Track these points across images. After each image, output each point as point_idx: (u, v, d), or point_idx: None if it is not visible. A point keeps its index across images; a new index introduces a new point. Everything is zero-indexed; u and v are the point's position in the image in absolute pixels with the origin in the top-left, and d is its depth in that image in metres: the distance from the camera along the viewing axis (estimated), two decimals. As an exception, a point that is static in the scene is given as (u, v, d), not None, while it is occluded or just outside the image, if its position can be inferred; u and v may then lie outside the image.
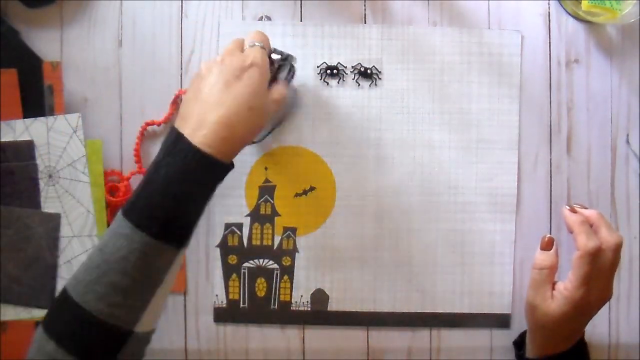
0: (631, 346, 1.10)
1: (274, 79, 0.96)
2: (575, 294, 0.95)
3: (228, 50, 0.91)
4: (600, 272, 0.96)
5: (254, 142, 1.04)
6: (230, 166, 0.87)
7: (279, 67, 0.99)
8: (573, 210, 1.03)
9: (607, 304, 1.01)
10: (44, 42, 1.06)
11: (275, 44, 1.03)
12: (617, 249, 0.98)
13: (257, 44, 0.92)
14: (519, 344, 1.05)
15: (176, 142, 0.83)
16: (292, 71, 1.01)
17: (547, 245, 1.04)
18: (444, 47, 1.07)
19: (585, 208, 1.04)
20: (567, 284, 0.97)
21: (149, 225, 0.80)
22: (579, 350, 1.01)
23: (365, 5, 1.07)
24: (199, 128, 0.83)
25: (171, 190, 0.82)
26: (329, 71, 1.06)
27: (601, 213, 1.01)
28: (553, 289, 1.00)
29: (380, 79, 1.07)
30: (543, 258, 1.03)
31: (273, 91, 0.94)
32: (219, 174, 0.87)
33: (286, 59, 0.99)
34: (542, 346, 1.00)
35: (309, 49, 1.06)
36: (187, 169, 0.82)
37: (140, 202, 0.82)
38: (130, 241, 0.80)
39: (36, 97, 1.04)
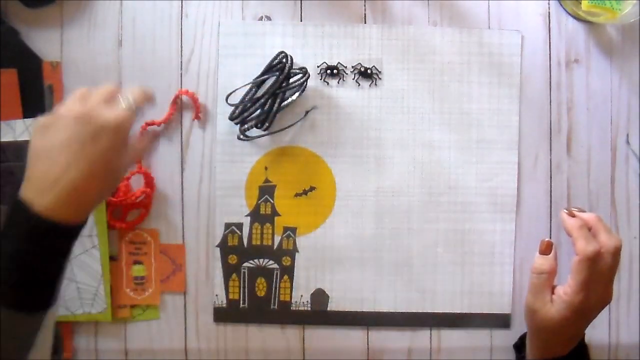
0: (631, 346, 1.10)
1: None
2: (574, 298, 0.95)
3: (91, 104, 0.84)
4: (599, 276, 0.96)
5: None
6: (81, 226, 0.83)
7: (295, 85, 1.01)
8: (571, 214, 1.02)
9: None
10: (44, 42, 1.06)
11: (275, 44, 1.04)
12: (617, 252, 0.97)
13: (129, 101, 0.86)
14: (519, 346, 1.05)
15: (18, 210, 0.79)
16: (304, 85, 1.03)
17: (546, 249, 1.03)
18: (444, 47, 1.07)
19: (584, 212, 1.03)
20: (566, 289, 0.97)
21: (2, 297, 0.77)
22: (579, 353, 1.00)
23: (365, 5, 1.07)
24: (45, 192, 0.78)
25: (20, 263, 0.78)
26: (329, 71, 1.06)
27: (600, 216, 1.01)
28: (552, 293, 1.00)
29: (380, 79, 1.07)
30: (542, 262, 1.02)
31: (131, 152, 0.90)
32: (69, 237, 0.83)
33: (305, 74, 1.01)
34: (542, 349, 1.00)
35: (309, 49, 1.06)
36: (33, 240, 0.78)
37: None
38: None
39: (36, 97, 1.04)
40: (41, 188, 0.79)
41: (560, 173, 1.09)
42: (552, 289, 1.00)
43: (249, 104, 1.02)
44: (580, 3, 1.04)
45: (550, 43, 1.09)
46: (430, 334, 1.08)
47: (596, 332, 1.09)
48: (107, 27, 1.07)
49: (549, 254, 1.03)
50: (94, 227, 1.04)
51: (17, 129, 1.03)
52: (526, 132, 1.08)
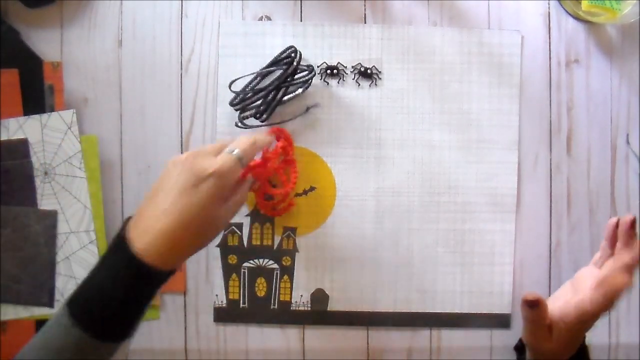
0: (631, 346, 1.10)
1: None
2: (575, 327, 0.95)
3: (199, 152, 0.85)
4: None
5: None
6: (171, 273, 0.84)
7: (301, 81, 1.02)
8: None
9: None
10: (45, 42, 1.06)
11: (275, 44, 1.04)
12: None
13: (235, 152, 0.86)
14: (520, 348, 1.05)
15: (120, 243, 0.80)
16: (309, 82, 1.03)
17: (534, 304, 0.96)
18: (444, 47, 1.07)
19: None
20: (567, 321, 0.95)
21: (84, 322, 0.78)
22: (580, 354, 1.00)
23: (365, 5, 1.07)
24: (144, 234, 0.79)
25: (108, 292, 0.79)
26: (329, 71, 1.06)
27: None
28: (549, 323, 0.97)
29: (380, 79, 1.07)
30: (534, 315, 0.96)
31: (231, 203, 0.88)
32: (158, 282, 0.83)
33: (311, 72, 1.02)
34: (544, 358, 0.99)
35: (309, 49, 1.06)
36: (126, 274, 0.79)
37: (81, 297, 0.80)
38: (66, 333, 0.78)
39: (37, 97, 1.04)
40: (141, 229, 0.80)
41: (560, 173, 1.09)
42: (547, 323, 0.97)
43: (250, 93, 1.02)
44: (580, 3, 1.05)
45: (550, 43, 1.09)
46: (430, 334, 1.08)
47: (596, 332, 1.08)
48: (107, 27, 1.07)
49: (539, 306, 0.96)
50: (91, 223, 1.04)
51: (11, 128, 1.03)
52: (526, 132, 1.08)
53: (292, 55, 1.02)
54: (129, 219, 0.82)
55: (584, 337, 1.00)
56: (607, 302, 0.92)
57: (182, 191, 0.81)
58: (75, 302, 0.79)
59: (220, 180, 0.83)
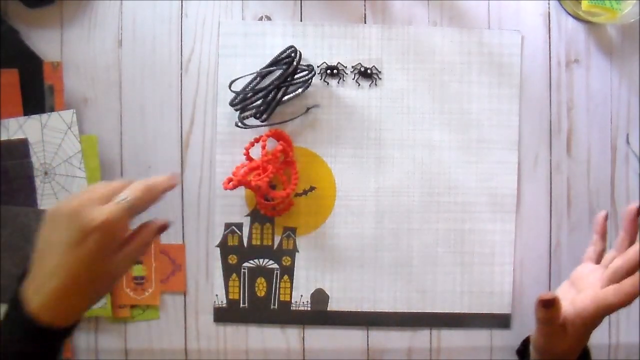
0: (631, 346, 1.10)
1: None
2: (592, 322, 0.93)
3: (84, 200, 0.78)
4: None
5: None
6: (71, 328, 0.80)
7: (301, 81, 1.02)
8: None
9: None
10: (44, 42, 1.06)
11: (275, 44, 1.04)
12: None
13: (124, 200, 0.79)
14: (522, 352, 1.04)
15: (15, 304, 0.77)
16: (309, 82, 1.03)
17: (549, 304, 0.92)
18: (444, 47, 1.07)
19: None
20: (584, 316, 0.93)
21: None
22: (582, 355, 0.99)
23: (365, 6, 1.07)
24: (36, 294, 0.76)
25: (10, 354, 0.76)
26: (329, 71, 1.06)
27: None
28: (563, 322, 0.94)
29: (380, 79, 1.07)
30: (551, 316, 0.93)
31: (123, 255, 0.81)
32: (59, 338, 0.79)
33: (311, 72, 1.02)
34: None
35: (309, 49, 1.06)
36: (24, 336, 0.76)
37: None
38: None
39: (37, 97, 1.04)
40: (34, 287, 0.77)
41: (560, 173, 1.09)
42: (561, 323, 0.94)
43: (250, 93, 1.02)
44: (580, 3, 1.05)
45: (550, 43, 1.09)
46: (430, 334, 1.08)
47: (596, 332, 1.08)
48: (107, 27, 1.07)
49: (555, 305, 0.92)
50: (92, 224, 1.04)
51: (11, 128, 1.03)
52: (526, 132, 1.08)
53: (292, 55, 1.02)
54: (23, 275, 0.79)
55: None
56: (634, 292, 0.89)
57: (67, 248, 0.76)
58: None
59: (107, 234, 0.77)
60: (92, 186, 0.80)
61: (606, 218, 1.01)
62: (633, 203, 0.96)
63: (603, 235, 1.01)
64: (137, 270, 1.06)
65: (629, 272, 0.90)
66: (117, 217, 0.77)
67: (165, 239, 1.06)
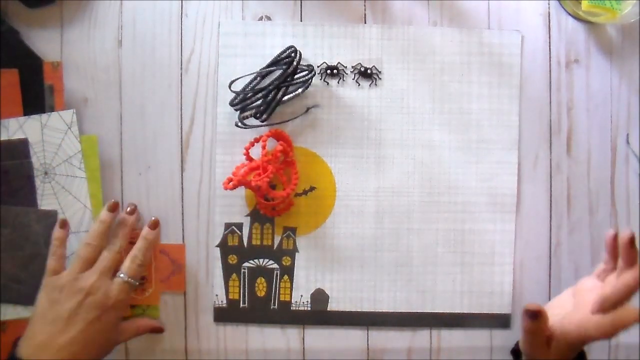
0: (631, 346, 1.10)
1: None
2: (576, 344, 0.94)
3: (94, 279, 0.93)
4: None
5: None
6: None
7: (301, 81, 1.02)
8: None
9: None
10: (44, 42, 1.06)
11: (275, 44, 1.04)
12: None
13: (126, 278, 0.96)
14: (517, 351, 1.04)
15: None
16: (309, 82, 1.03)
17: (535, 316, 0.93)
18: (444, 47, 1.07)
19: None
20: (568, 339, 0.94)
21: None
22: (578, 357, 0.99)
23: (365, 6, 1.07)
24: (41, 353, 0.87)
25: None
26: (329, 71, 1.06)
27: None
28: (549, 335, 0.95)
29: (380, 78, 1.07)
30: (536, 327, 0.94)
31: (130, 326, 1.00)
32: None
33: (311, 72, 1.02)
34: None
35: (309, 49, 1.06)
36: None
37: None
38: None
39: (37, 97, 1.04)
40: (43, 347, 0.86)
41: (560, 173, 1.09)
42: (548, 334, 0.95)
43: (250, 93, 1.02)
44: (580, 3, 1.05)
45: (550, 43, 1.09)
46: (430, 334, 1.08)
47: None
48: (107, 27, 1.07)
49: (541, 317, 0.94)
50: (91, 223, 1.04)
51: (11, 128, 1.03)
52: (526, 132, 1.08)
53: (292, 55, 1.02)
54: (17, 340, 0.89)
55: None
56: (613, 332, 0.90)
57: (89, 322, 0.90)
58: None
59: (121, 310, 0.96)
60: (92, 251, 0.97)
61: (615, 238, 0.96)
62: (627, 230, 0.92)
63: (612, 254, 0.98)
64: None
65: (616, 302, 0.90)
66: (127, 295, 0.95)
67: (165, 239, 1.06)
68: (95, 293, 0.91)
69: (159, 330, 1.03)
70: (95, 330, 0.91)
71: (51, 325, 0.88)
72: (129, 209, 1.03)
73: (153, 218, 1.04)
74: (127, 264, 0.97)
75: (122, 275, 0.96)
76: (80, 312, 0.90)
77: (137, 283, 0.98)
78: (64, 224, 1.00)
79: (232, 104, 1.03)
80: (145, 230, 1.02)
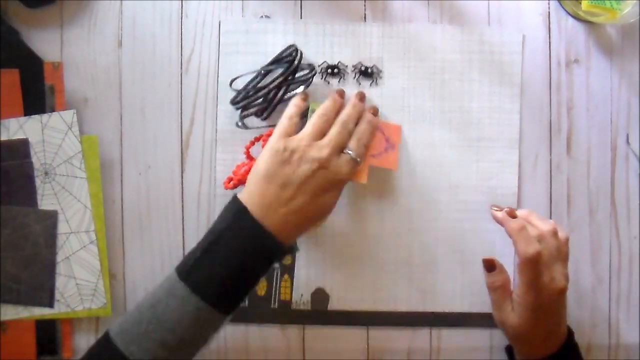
0: (631, 346, 1.10)
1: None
2: (527, 299, 0.95)
3: (327, 149, 0.93)
4: (546, 267, 0.95)
5: None
6: (291, 249, 0.94)
7: (300, 79, 1.03)
8: (512, 214, 1.00)
9: (607, 304, 1.02)
10: (45, 42, 1.06)
11: (276, 42, 1.04)
12: (555, 233, 0.97)
13: (353, 155, 0.95)
14: (511, 349, 1.05)
15: (242, 217, 0.88)
16: (310, 81, 1.04)
17: (490, 267, 1.02)
18: (445, 45, 1.07)
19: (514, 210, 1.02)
20: (517, 291, 0.97)
21: (205, 292, 0.84)
22: (569, 352, 1.00)
23: (365, 6, 1.07)
24: (270, 213, 0.88)
25: (231, 263, 0.86)
26: (329, 70, 1.06)
27: (531, 210, 1.03)
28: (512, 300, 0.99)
29: (380, 77, 1.07)
30: (492, 280, 1.01)
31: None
32: (279, 256, 0.91)
33: (312, 70, 1.03)
34: (526, 353, 1.00)
35: (310, 47, 1.06)
36: (250, 247, 0.87)
37: (199, 269, 0.85)
38: (184, 304, 0.84)
39: (37, 97, 1.04)
40: (265, 209, 0.88)
41: (560, 173, 1.09)
42: (511, 296, 1.00)
43: (252, 92, 1.02)
44: (580, 3, 1.05)
45: (550, 43, 1.09)
46: (430, 333, 1.08)
47: (596, 332, 1.09)
48: (107, 27, 1.07)
49: (495, 270, 1.02)
50: (91, 223, 1.04)
51: (11, 128, 1.03)
52: (526, 132, 1.08)
53: (293, 54, 1.02)
54: (237, 199, 0.91)
55: (572, 334, 1.01)
56: (529, 283, 0.95)
57: (318, 190, 0.91)
58: (192, 275, 0.86)
59: (342, 186, 0.96)
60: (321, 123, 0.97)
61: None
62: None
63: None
64: None
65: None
66: (353, 174, 0.95)
67: (165, 238, 1.07)
68: (328, 166, 0.91)
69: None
70: (320, 202, 0.92)
71: (281, 189, 0.90)
72: (359, 95, 1.03)
73: (373, 105, 1.05)
74: (354, 142, 0.96)
75: (350, 152, 0.95)
76: (312, 182, 0.90)
77: (360, 161, 0.97)
78: (306, 97, 1.01)
79: (233, 102, 1.03)
80: (369, 115, 1.01)
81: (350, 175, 0.95)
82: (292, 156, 0.91)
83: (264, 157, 0.93)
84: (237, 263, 0.86)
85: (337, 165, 0.92)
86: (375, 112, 1.03)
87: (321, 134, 0.95)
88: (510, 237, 0.97)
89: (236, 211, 0.89)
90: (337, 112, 0.98)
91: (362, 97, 1.03)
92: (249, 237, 0.87)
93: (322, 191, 0.91)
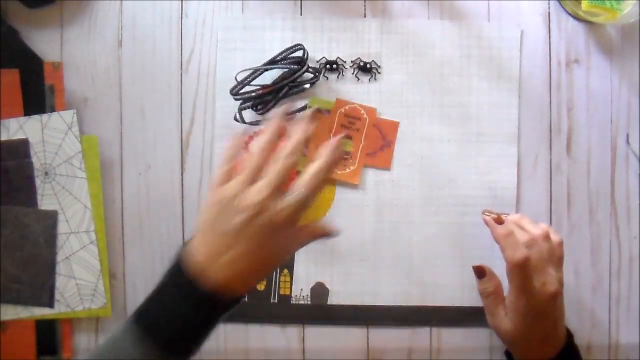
0: (631, 346, 1.10)
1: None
2: (518, 304, 0.95)
3: (270, 192, 0.83)
4: (537, 272, 0.95)
5: None
6: (240, 300, 0.87)
7: (304, 81, 1.04)
8: (499, 221, 1.00)
9: (607, 304, 1.02)
10: (45, 42, 1.06)
11: (274, 38, 1.05)
12: (547, 237, 0.97)
13: (299, 196, 0.84)
14: (510, 353, 1.04)
15: (177, 272, 0.83)
16: (315, 82, 1.05)
17: (481, 274, 1.02)
18: (444, 41, 1.08)
19: (506, 214, 1.03)
20: (509, 297, 0.97)
21: (156, 335, 0.81)
22: (569, 354, 0.99)
23: (365, 6, 1.08)
24: (214, 263, 0.82)
25: (182, 311, 0.82)
26: (328, 66, 1.06)
27: (523, 214, 1.03)
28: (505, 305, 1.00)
29: (379, 72, 1.07)
30: (484, 287, 1.02)
31: (304, 233, 0.89)
32: (226, 309, 0.86)
33: (316, 72, 1.04)
34: (524, 358, 1.00)
35: (308, 43, 1.06)
36: (198, 300, 0.82)
37: (152, 312, 0.83)
38: (136, 346, 0.81)
39: (37, 97, 1.04)
40: (215, 258, 0.82)
41: (560, 173, 1.09)
42: (504, 302, 1.00)
43: (259, 87, 1.03)
44: (580, 3, 1.05)
45: (550, 43, 1.09)
46: (431, 333, 1.08)
47: (596, 332, 1.09)
48: (107, 27, 1.07)
49: (485, 276, 1.02)
50: (92, 223, 1.04)
51: (11, 128, 1.04)
52: (526, 132, 1.08)
53: (303, 56, 1.03)
54: (186, 244, 0.85)
55: (572, 336, 1.00)
56: (519, 288, 0.95)
57: (257, 241, 0.82)
58: (146, 316, 0.82)
59: (292, 226, 0.85)
60: (254, 164, 0.85)
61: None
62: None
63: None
64: (347, 145, 1.07)
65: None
66: (299, 215, 0.84)
67: (165, 237, 1.07)
68: (265, 211, 0.82)
69: (334, 233, 0.91)
70: (267, 249, 0.84)
71: (220, 238, 0.83)
72: (310, 117, 0.91)
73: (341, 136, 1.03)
74: (305, 178, 0.85)
75: (295, 192, 0.84)
76: (249, 231, 0.82)
77: (310, 201, 0.86)
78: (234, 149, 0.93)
79: (232, 92, 1.03)
80: (329, 148, 0.87)
81: (293, 220, 0.85)
82: (228, 206, 0.84)
83: (203, 208, 0.88)
84: (188, 312, 0.82)
85: (276, 209, 0.83)
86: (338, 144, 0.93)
87: (258, 174, 0.86)
88: (498, 244, 0.97)
89: (181, 259, 0.84)
90: (276, 143, 0.88)
91: (313, 118, 0.91)
92: (196, 290, 0.82)
93: (264, 238, 0.83)
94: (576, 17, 1.09)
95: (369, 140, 1.06)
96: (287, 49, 1.04)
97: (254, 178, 0.84)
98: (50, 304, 1.04)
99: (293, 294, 1.07)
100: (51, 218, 1.04)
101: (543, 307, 0.95)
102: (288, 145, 0.85)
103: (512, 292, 0.95)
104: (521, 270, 0.93)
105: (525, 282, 0.93)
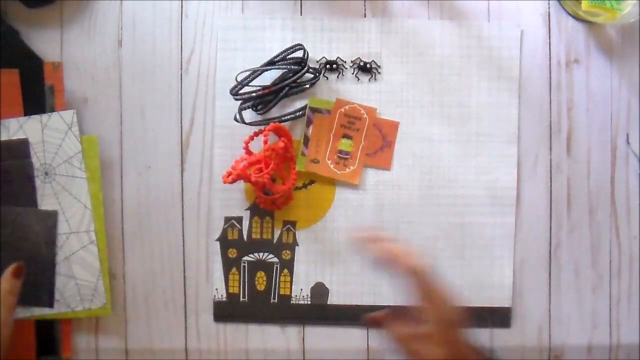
0: (631, 346, 1.10)
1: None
2: (433, 313, 0.84)
3: None
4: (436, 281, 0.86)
5: None
6: None
7: (305, 81, 1.04)
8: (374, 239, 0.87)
9: (607, 304, 1.03)
10: (44, 42, 1.06)
11: (274, 38, 1.05)
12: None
13: None
14: None
15: None
16: (315, 82, 1.05)
17: (375, 323, 0.89)
18: (444, 41, 1.08)
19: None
20: (423, 317, 0.84)
21: None
22: None
23: (365, 6, 1.08)
24: None
25: None
26: (328, 66, 1.06)
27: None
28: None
29: (379, 72, 1.07)
30: (397, 332, 0.86)
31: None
32: None
33: (316, 73, 1.04)
34: None
35: (308, 43, 1.06)
36: None
37: None
38: None
39: (37, 97, 1.04)
40: None
41: (560, 173, 1.09)
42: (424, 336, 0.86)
43: (257, 88, 1.02)
44: (580, 3, 1.05)
45: (550, 43, 1.09)
46: (430, 333, 1.08)
47: (597, 333, 1.09)
48: (107, 27, 1.07)
49: (384, 322, 0.89)
50: (91, 223, 1.04)
51: (11, 128, 1.04)
52: (526, 132, 1.08)
53: (304, 57, 1.03)
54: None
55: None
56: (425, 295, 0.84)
57: None
58: None
59: None
60: None
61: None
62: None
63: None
64: (346, 145, 1.07)
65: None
66: None
67: (165, 237, 1.07)
68: None
69: (19, 270, 0.98)
70: None
71: None
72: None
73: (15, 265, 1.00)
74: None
75: None
76: None
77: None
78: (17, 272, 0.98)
79: (232, 92, 1.03)
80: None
81: None
82: None
83: None
84: None
85: None
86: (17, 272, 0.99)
87: None
88: (386, 261, 0.86)
89: None
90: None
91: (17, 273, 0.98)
92: None
93: None
94: (576, 17, 1.09)
95: (369, 140, 1.06)
96: (287, 49, 1.04)
97: None
98: (50, 303, 1.04)
99: (293, 294, 1.07)
100: (51, 218, 1.04)
101: (454, 313, 0.86)
102: None
103: (421, 305, 0.84)
104: (422, 275, 0.84)
105: (430, 287, 0.84)
